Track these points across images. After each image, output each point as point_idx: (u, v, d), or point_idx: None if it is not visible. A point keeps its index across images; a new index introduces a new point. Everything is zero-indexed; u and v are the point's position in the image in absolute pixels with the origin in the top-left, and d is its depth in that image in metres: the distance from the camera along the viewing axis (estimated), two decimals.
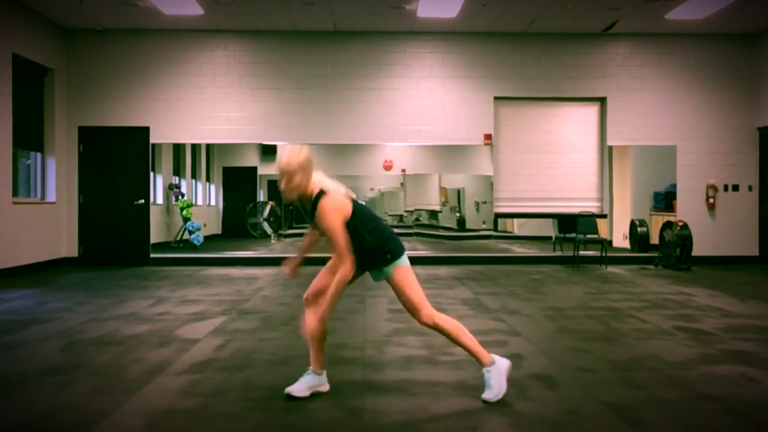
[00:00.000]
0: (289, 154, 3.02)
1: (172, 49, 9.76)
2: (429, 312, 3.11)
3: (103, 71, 9.69)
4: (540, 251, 10.51)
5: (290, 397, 3.17)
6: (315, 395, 3.22)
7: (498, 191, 10.08)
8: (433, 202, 12.71)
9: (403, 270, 3.11)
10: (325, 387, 3.29)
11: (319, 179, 3.09)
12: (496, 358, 3.22)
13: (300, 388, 3.21)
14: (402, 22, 9.39)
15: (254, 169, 15.16)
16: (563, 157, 10.07)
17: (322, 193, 3.04)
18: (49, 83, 9.34)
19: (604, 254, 9.41)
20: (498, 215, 10.40)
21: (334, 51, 9.87)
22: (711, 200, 9.97)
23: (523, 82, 9.97)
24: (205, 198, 14.69)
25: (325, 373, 3.29)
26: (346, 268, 2.96)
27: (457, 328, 3.17)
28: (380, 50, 9.90)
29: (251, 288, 7.13)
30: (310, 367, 3.26)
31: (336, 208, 3.00)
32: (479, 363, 3.21)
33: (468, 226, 13.40)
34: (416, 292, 3.10)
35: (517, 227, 14.22)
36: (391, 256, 3.11)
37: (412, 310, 3.11)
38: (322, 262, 3.28)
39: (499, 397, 3.14)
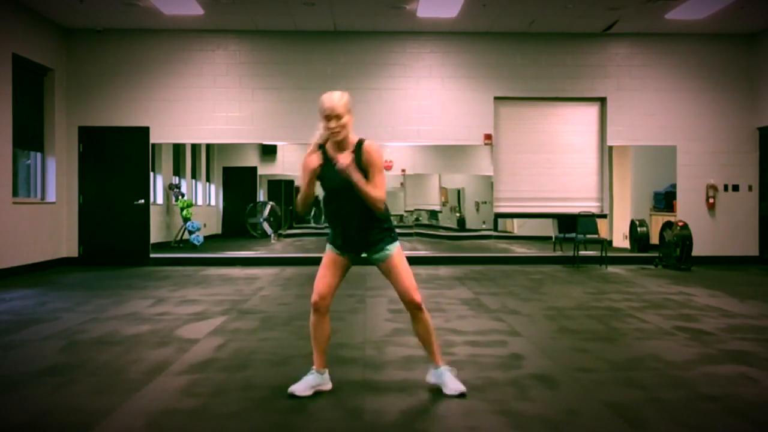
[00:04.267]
0: (338, 95, 3.15)
1: (172, 49, 9.76)
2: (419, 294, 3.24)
3: (103, 71, 9.69)
4: (540, 251, 10.51)
5: (293, 396, 3.18)
6: (316, 395, 3.22)
7: (498, 191, 10.08)
8: (433, 202, 12.71)
9: (400, 251, 3.25)
10: (328, 386, 3.31)
11: None
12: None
13: (303, 387, 3.22)
14: (402, 22, 9.39)
15: (254, 169, 15.15)
16: (563, 157, 10.07)
17: (363, 139, 3.22)
18: (49, 83, 9.34)
19: (604, 254, 9.41)
20: (498, 215, 10.40)
21: (334, 51, 9.87)
22: (711, 200, 9.97)
23: (523, 82, 9.97)
24: (205, 198, 14.69)
25: (327, 372, 3.31)
26: (383, 197, 3.14)
27: (431, 322, 3.30)
28: (380, 50, 9.90)
29: (251, 288, 7.13)
30: (314, 367, 3.27)
31: (379, 148, 3.22)
32: (434, 363, 3.30)
33: (468, 226, 13.39)
34: (411, 274, 3.24)
35: (517, 227, 14.20)
36: (394, 234, 3.28)
37: (412, 289, 3.19)
38: (319, 262, 3.29)
39: (464, 388, 3.22)
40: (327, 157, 3.17)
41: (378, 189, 3.11)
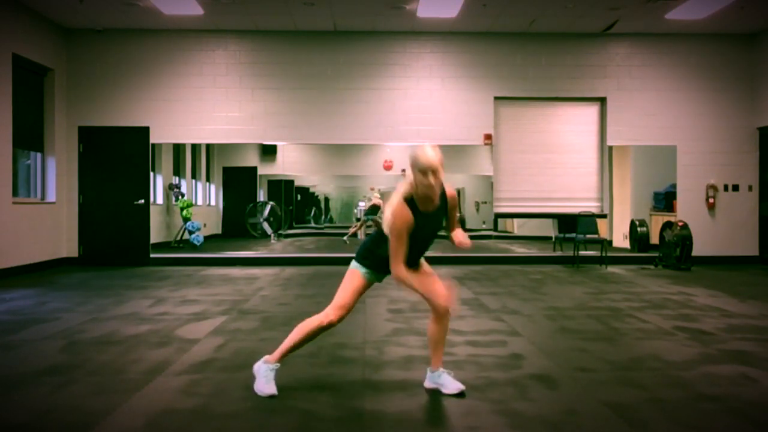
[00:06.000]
0: (433, 150, 3.11)
1: (172, 49, 9.77)
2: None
3: (103, 71, 9.69)
4: (540, 251, 10.51)
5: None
6: (316, 395, 3.23)
7: (498, 191, 10.08)
8: None
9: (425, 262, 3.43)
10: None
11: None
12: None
13: (262, 383, 3.27)
14: (402, 22, 9.39)
15: (254, 169, 15.18)
16: (563, 157, 10.07)
17: (444, 186, 3.29)
18: (49, 83, 9.34)
19: (604, 254, 9.42)
20: (498, 215, 10.39)
21: (334, 51, 9.87)
22: (711, 200, 9.97)
23: (523, 82, 9.97)
24: (205, 198, 14.70)
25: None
26: None
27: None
28: (380, 50, 9.90)
29: (251, 288, 7.13)
30: (277, 361, 3.30)
31: None
32: (434, 365, 3.33)
33: (468, 226, 13.38)
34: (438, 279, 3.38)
35: (517, 227, 14.21)
36: None
37: (443, 292, 3.26)
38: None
39: (462, 387, 3.26)
40: (417, 208, 3.12)
41: (458, 224, 3.39)
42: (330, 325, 3.21)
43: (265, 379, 3.25)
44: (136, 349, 4.21)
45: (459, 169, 12.09)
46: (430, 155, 3.07)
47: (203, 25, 9.54)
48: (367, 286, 3.27)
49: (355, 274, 3.24)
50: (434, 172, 3.06)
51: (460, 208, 12.70)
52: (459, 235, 3.29)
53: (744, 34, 10.01)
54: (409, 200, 3.12)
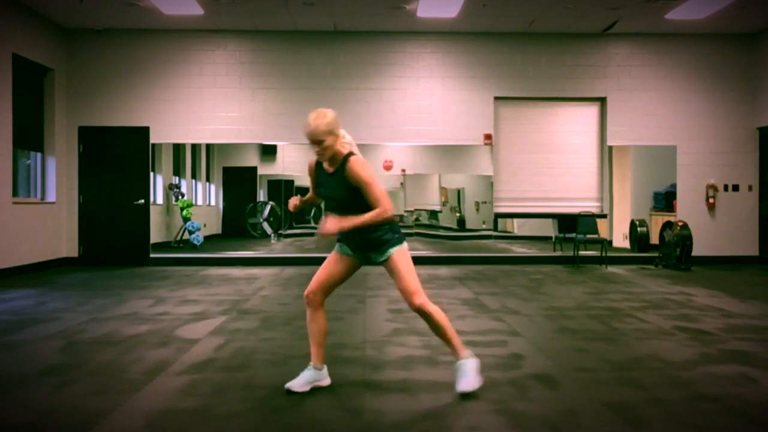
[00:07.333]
0: (315, 119, 3.10)
1: (172, 49, 9.76)
2: (423, 297, 3.19)
3: (103, 71, 9.69)
4: (540, 251, 10.50)
5: (290, 392, 3.22)
6: (315, 395, 3.23)
7: (498, 191, 10.08)
8: (433, 202, 12.70)
9: (403, 251, 3.20)
10: (326, 381, 3.36)
11: (348, 140, 3.22)
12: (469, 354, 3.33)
13: (300, 383, 3.27)
14: (402, 22, 9.39)
15: (254, 169, 15.14)
16: (563, 157, 10.07)
17: (350, 154, 3.14)
18: (49, 83, 9.34)
19: (604, 254, 9.41)
20: (498, 215, 10.40)
21: (334, 51, 9.87)
22: (711, 200, 9.97)
23: (523, 82, 9.97)
24: (205, 198, 14.68)
25: (325, 368, 3.37)
26: (388, 209, 3.09)
27: (443, 318, 3.26)
28: (380, 50, 9.90)
29: (251, 288, 7.13)
30: (311, 363, 3.32)
31: (364, 162, 3.13)
32: (456, 355, 3.28)
33: (468, 226, 13.38)
34: (414, 276, 3.19)
35: (517, 227, 14.19)
36: (399, 236, 3.22)
37: (408, 292, 3.16)
38: (321, 262, 3.30)
39: (476, 387, 3.21)
40: (322, 168, 3.25)
41: (378, 202, 3.07)
42: (307, 300, 3.28)
43: (303, 380, 3.28)
44: (136, 349, 4.21)
45: (459, 169, 12.07)
46: (310, 125, 3.09)
47: (203, 25, 9.54)
48: (342, 260, 3.28)
49: (333, 251, 3.36)
50: (317, 142, 3.10)
51: (459, 208, 12.69)
52: (329, 222, 3.06)
53: (744, 34, 10.01)
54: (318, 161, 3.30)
